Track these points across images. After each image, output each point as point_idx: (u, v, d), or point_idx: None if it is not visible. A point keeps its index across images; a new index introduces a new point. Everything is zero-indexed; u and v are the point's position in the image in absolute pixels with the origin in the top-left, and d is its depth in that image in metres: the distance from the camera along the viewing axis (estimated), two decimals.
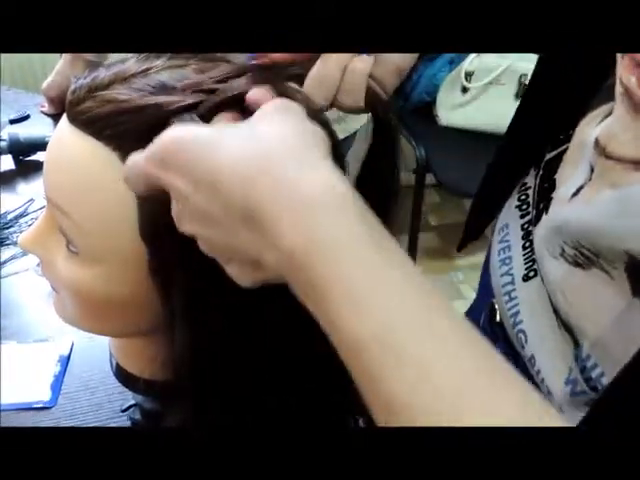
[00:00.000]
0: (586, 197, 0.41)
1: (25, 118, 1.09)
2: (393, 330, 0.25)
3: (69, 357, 0.67)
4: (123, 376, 0.53)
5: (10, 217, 0.87)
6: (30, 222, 0.86)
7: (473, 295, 2.23)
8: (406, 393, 0.25)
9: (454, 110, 1.73)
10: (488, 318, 0.51)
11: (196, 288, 0.37)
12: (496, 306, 0.50)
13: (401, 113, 1.69)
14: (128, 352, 0.52)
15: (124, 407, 0.59)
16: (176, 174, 0.30)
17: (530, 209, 0.49)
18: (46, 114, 1.10)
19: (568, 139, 0.47)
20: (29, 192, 0.92)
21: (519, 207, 0.50)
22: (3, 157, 0.98)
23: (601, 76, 0.44)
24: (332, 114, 0.40)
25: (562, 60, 0.45)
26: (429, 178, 1.70)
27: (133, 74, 0.37)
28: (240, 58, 0.39)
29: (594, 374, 0.40)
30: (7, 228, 0.85)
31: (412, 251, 1.75)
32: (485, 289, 0.54)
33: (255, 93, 0.34)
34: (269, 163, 0.28)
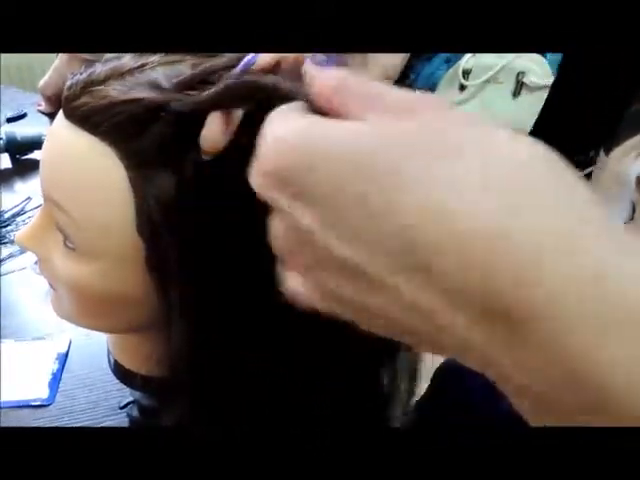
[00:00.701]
0: None
1: (22, 117, 1.09)
2: None
3: (67, 355, 0.67)
4: (121, 373, 0.53)
5: (7, 215, 0.87)
6: (27, 220, 0.86)
7: None
8: None
9: None
10: None
11: (193, 284, 0.37)
12: None
13: None
14: (126, 349, 0.52)
15: (122, 404, 0.59)
16: (307, 204, 0.20)
17: None
18: (43, 113, 1.10)
19: (588, 161, 0.45)
20: (26, 190, 0.92)
21: None
22: (0, 156, 0.98)
23: (624, 101, 0.42)
24: None
25: (582, 78, 0.43)
26: None
27: (129, 70, 0.37)
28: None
29: None
30: (4, 226, 0.85)
31: None
32: None
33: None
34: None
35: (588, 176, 0.46)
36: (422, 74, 1.71)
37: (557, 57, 1.67)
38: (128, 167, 0.35)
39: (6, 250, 0.81)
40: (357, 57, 0.41)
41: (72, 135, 0.36)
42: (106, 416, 0.60)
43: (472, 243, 0.18)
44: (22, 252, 0.80)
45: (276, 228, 0.22)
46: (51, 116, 1.09)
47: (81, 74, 0.37)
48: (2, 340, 0.68)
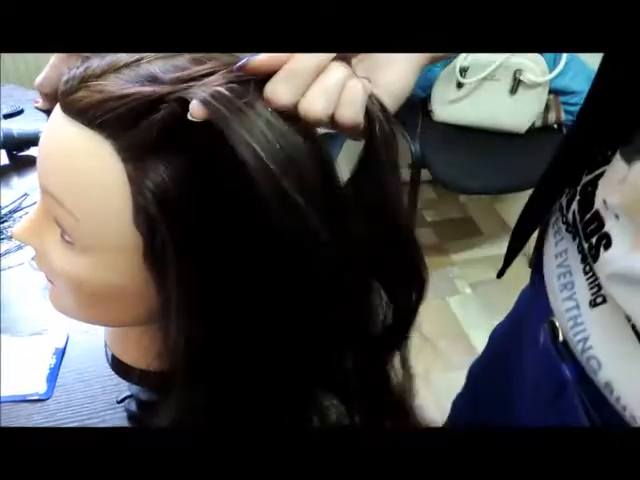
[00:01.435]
0: None
1: (19, 113, 1.09)
2: None
3: (64, 350, 0.67)
4: (119, 367, 0.53)
5: (4, 212, 0.87)
6: (24, 217, 0.86)
7: (468, 290, 2.21)
8: None
9: (449, 105, 1.73)
10: (550, 337, 0.49)
11: (191, 277, 0.38)
12: (557, 323, 0.49)
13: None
14: (124, 343, 0.52)
15: (119, 398, 0.60)
16: None
17: (577, 233, 0.47)
18: (40, 109, 1.10)
19: (605, 161, 0.45)
20: (23, 187, 0.92)
21: (567, 229, 0.49)
22: None
23: None
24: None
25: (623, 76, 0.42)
26: (425, 174, 1.70)
27: (125, 64, 0.37)
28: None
29: None
30: (1, 222, 0.85)
31: None
32: (539, 307, 0.52)
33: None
34: None
35: (599, 176, 0.46)
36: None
37: (553, 55, 1.67)
38: (125, 160, 0.35)
39: (3, 246, 0.81)
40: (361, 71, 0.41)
41: (69, 129, 0.37)
42: (104, 410, 0.60)
43: None
44: (19, 248, 0.80)
45: None
46: (48, 113, 1.08)
47: (78, 68, 0.37)
48: (0, 335, 0.68)
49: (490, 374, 0.69)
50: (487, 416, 0.67)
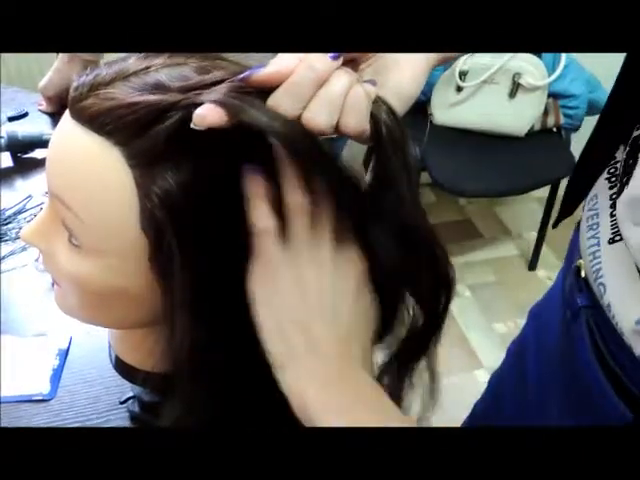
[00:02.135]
0: None
1: (23, 116, 1.10)
2: None
3: (68, 351, 0.68)
4: (122, 368, 0.53)
5: (8, 213, 0.88)
6: (28, 218, 0.87)
7: (468, 293, 2.22)
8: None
9: (448, 109, 1.74)
10: (575, 272, 0.57)
11: (196, 280, 0.38)
12: (581, 261, 0.56)
13: None
14: (128, 344, 0.53)
15: (122, 399, 0.60)
16: None
17: (617, 182, 0.52)
18: (44, 112, 1.10)
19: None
20: (27, 189, 0.93)
21: (608, 179, 0.54)
22: (1, 154, 0.98)
23: None
24: None
25: None
26: (424, 177, 1.71)
27: (134, 72, 0.38)
28: (242, 60, 0.40)
29: None
30: (5, 224, 0.86)
31: None
32: (572, 252, 0.61)
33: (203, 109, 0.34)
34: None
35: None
36: None
37: (552, 58, 1.68)
38: (133, 166, 0.36)
39: (7, 248, 0.82)
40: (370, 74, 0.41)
41: (78, 135, 0.37)
42: (107, 411, 0.61)
43: None
44: (23, 249, 0.81)
45: None
46: (52, 115, 1.09)
47: (87, 76, 0.38)
48: (3, 336, 0.69)
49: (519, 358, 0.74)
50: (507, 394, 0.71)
